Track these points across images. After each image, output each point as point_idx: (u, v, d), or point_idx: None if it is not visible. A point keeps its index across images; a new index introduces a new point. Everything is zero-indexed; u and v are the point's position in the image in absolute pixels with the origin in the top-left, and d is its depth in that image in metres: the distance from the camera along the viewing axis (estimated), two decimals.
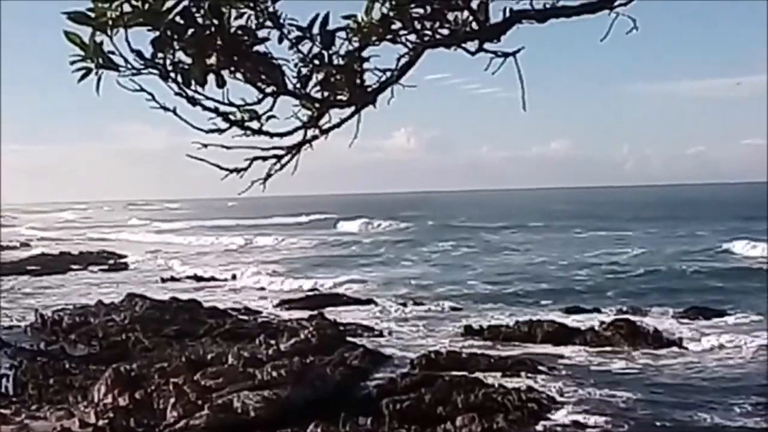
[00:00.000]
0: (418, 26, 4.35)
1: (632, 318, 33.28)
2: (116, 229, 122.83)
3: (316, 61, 4.11)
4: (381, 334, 33.06)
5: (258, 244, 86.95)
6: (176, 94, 3.83)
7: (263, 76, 3.99)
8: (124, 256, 73.03)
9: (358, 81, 4.28)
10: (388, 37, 4.29)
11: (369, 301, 41.52)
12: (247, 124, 4.05)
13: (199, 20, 3.73)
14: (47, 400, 23.03)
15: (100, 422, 20.43)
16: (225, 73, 3.88)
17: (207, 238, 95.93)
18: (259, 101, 4.05)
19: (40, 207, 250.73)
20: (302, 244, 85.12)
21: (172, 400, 21.01)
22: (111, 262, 68.18)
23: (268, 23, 3.94)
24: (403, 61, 4.40)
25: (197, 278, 54.03)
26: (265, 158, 4.28)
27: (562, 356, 28.39)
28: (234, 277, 54.03)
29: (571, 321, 33.99)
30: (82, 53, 3.59)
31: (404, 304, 40.19)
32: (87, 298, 44.14)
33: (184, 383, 21.72)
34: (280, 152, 4.31)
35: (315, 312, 36.25)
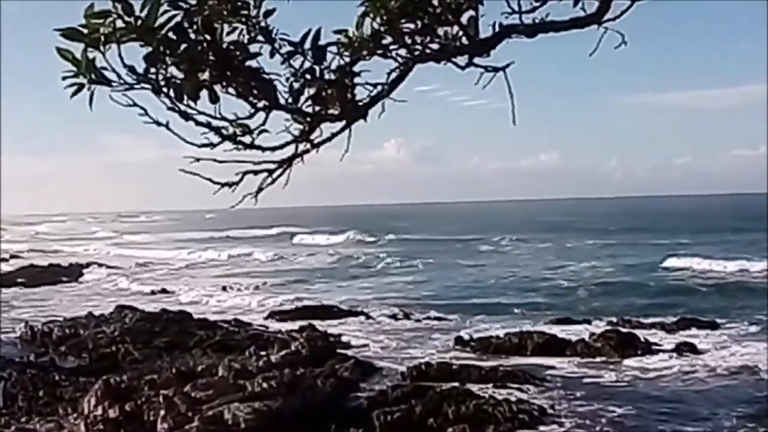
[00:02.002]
0: (409, 41, 4.37)
1: (622, 329, 33.33)
2: (82, 242, 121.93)
3: (308, 76, 4.13)
4: (371, 346, 33.05)
5: (213, 257, 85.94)
6: (169, 108, 3.85)
7: (255, 91, 4.01)
8: (114, 267, 73.20)
9: (349, 95, 4.30)
10: (379, 51, 4.32)
11: (359, 313, 41.52)
12: (239, 138, 4.07)
13: (192, 36, 3.74)
14: (37, 412, 22.95)
15: None
16: (217, 87, 3.90)
17: (159, 251, 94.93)
18: (251, 116, 4.07)
19: (31, 219, 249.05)
20: (258, 257, 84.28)
21: (162, 412, 20.95)
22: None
23: (260, 38, 3.96)
24: (393, 75, 4.43)
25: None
26: (256, 172, 4.30)
27: (553, 367, 28.38)
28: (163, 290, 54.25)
29: (561, 332, 33.94)
30: (75, 69, 3.60)
31: (394, 316, 40.18)
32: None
33: (174, 395, 21.66)
34: (272, 166, 4.33)
35: (305, 323, 36.23)
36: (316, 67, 4.12)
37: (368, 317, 40.25)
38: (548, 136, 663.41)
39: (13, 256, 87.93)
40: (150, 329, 34.16)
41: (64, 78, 3.62)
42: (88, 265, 74.75)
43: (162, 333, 33.52)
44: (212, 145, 4.04)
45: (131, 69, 3.71)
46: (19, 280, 60.88)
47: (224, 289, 53.75)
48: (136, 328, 34.42)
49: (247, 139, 4.09)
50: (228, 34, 3.86)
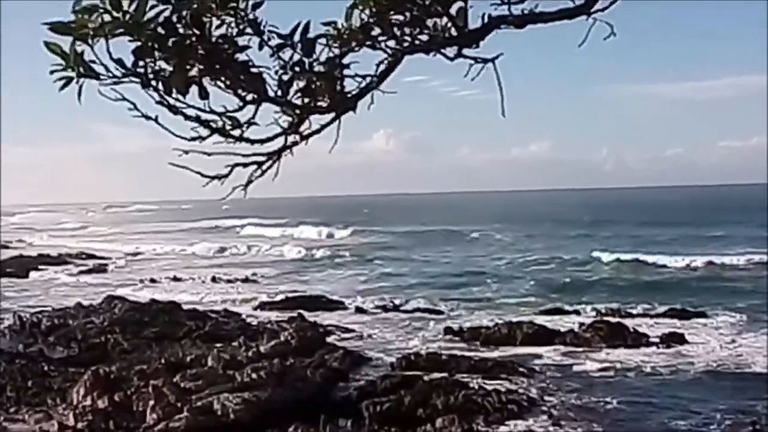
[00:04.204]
0: (398, 32, 4.37)
1: (611, 319, 33.43)
2: (39, 234, 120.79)
3: (297, 69, 4.12)
4: (361, 336, 33.12)
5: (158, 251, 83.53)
6: (157, 102, 3.84)
7: (244, 84, 4.01)
8: (104, 258, 72.93)
9: (338, 87, 4.30)
10: (368, 43, 4.31)
11: (344, 305, 41.59)
12: (228, 131, 4.06)
13: (180, 30, 3.73)
14: (26, 402, 22.93)
15: (79, 425, 20.38)
16: (206, 81, 3.89)
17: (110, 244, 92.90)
18: (240, 108, 4.07)
19: (13, 209, 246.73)
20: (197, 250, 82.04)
21: (152, 402, 20.96)
22: (90, 264, 68.01)
23: (249, 31, 3.96)
24: (382, 67, 4.42)
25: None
26: (245, 165, 4.30)
27: (542, 357, 28.49)
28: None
29: (546, 321, 34.03)
30: (63, 62, 3.59)
31: (384, 307, 40.22)
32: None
33: (164, 385, 21.66)
34: (261, 158, 4.33)
35: (294, 314, 36.23)
36: (306, 60, 4.12)
37: (361, 310, 40.15)
38: (538, 126, 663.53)
39: (2, 246, 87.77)
40: (139, 319, 34.12)
41: (52, 72, 3.61)
42: (78, 255, 74.51)
43: (151, 323, 33.48)
44: (201, 139, 4.04)
45: (119, 62, 3.70)
46: (9, 270, 60.66)
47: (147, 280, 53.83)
48: (125, 318, 34.37)
49: (236, 132, 4.09)
50: (217, 27, 3.86)
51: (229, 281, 53.14)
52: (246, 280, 53.68)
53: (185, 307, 38.01)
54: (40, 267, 63.54)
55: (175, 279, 54.67)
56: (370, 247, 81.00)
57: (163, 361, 25.08)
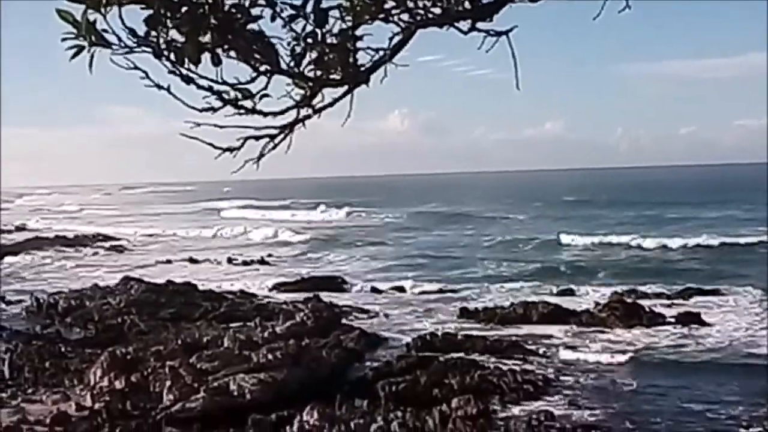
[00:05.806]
0: (411, 5, 4.33)
1: (626, 299, 33.32)
2: (28, 215, 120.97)
3: (310, 40, 4.09)
4: (376, 317, 33.14)
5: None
6: (170, 72, 3.81)
7: (257, 55, 3.98)
8: (119, 239, 73.17)
9: (351, 60, 4.27)
10: (381, 16, 4.27)
11: (361, 285, 41.59)
12: (240, 102, 4.03)
13: None
14: (43, 383, 23.06)
15: (96, 405, 20.48)
16: (219, 51, 3.86)
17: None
18: (253, 80, 4.04)
19: (21, 191, 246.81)
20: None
21: (168, 383, 21.04)
22: (106, 245, 68.23)
23: (261, 1, 3.93)
24: (395, 40, 4.39)
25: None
26: (258, 137, 4.27)
27: (558, 338, 28.44)
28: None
29: (561, 301, 33.96)
30: (75, 31, 3.56)
31: (399, 288, 40.21)
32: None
33: (180, 366, 21.74)
34: (274, 131, 4.30)
35: (310, 295, 36.27)
36: (318, 31, 4.09)
37: (376, 290, 40.14)
38: (553, 105, 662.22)
39: (18, 228, 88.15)
40: (155, 301, 34.24)
41: (63, 40, 3.58)
42: (94, 237, 74.68)
43: (167, 304, 33.61)
44: (213, 110, 4.01)
45: (132, 32, 3.68)
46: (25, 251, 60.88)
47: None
48: (142, 299, 34.51)
49: (248, 103, 4.06)
50: None
51: (245, 263, 53.23)
52: (262, 261, 53.76)
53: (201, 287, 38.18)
54: (56, 248, 63.64)
55: (192, 260, 54.83)
56: (384, 228, 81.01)
57: (179, 342, 25.22)
